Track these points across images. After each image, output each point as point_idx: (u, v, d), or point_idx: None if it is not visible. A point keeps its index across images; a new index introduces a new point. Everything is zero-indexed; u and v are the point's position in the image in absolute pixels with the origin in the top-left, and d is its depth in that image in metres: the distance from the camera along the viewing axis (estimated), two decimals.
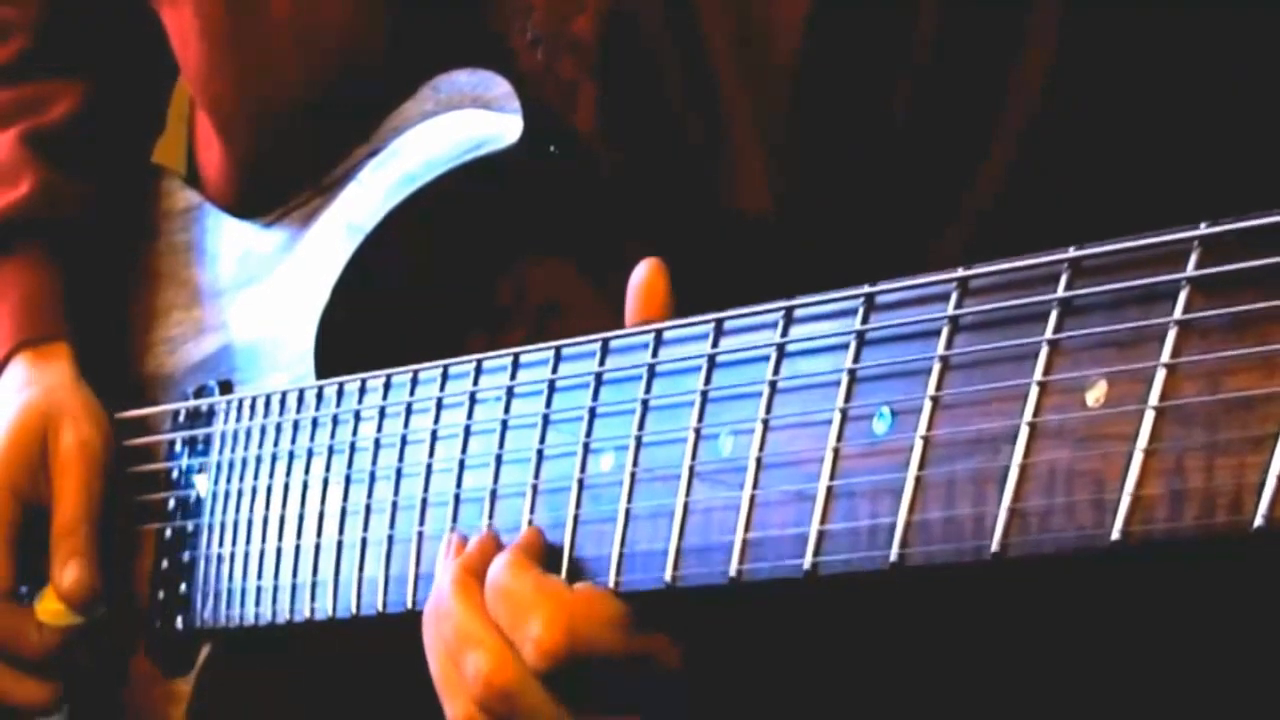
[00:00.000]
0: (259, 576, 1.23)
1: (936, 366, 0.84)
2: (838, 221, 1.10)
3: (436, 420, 1.10)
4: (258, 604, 1.22)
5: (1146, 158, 1.07)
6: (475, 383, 1.08)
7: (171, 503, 1.34)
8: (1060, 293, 0.79)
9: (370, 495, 1.14)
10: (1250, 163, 1.06)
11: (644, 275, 1.02)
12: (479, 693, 0.98)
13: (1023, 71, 1.08)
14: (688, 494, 0.94)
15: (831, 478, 0.87)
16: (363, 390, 1.17)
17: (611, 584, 0.98)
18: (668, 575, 0.95)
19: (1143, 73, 1.07)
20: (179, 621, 1.32)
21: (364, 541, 1.14)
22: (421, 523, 1.10)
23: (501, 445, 1.06)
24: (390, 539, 1.12)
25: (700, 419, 0.94)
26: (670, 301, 1.01)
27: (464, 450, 1.08)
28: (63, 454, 1.35)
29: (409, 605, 1.10)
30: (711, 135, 1.11)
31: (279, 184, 1.31)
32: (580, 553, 1.01)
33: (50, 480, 1.36)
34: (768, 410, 0.91)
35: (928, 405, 0.83)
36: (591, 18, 1.13)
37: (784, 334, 0.91)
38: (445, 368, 1.10)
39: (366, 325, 1.24)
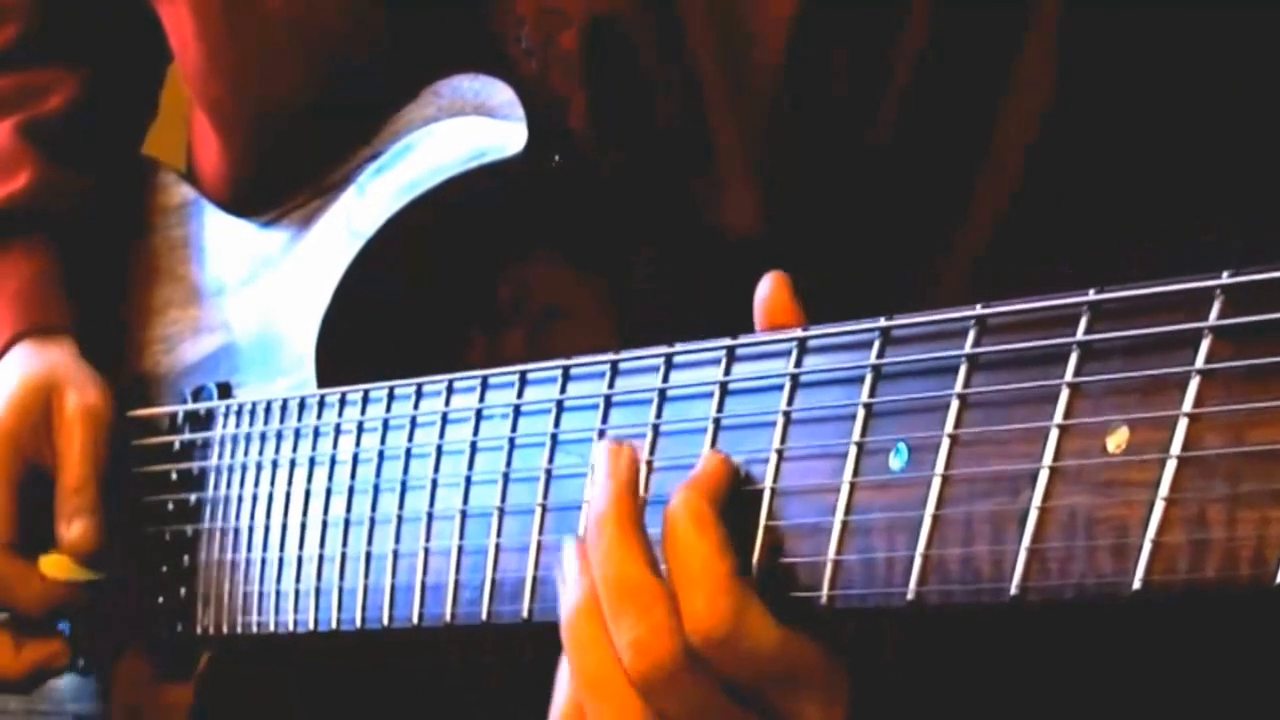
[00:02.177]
0: (260, 583, 1.22)
1: (954, 404, 0.83)
2: (829, 231, 1.10)
3: (442, 435, 1.10)
4: (259, 612, 1.22)
5: (1146, 164, 1.07)
6: (481, 399, 1.08)
7: (171, 506, 1.34)
8: (1080, 335, 0.79)
9: (375, 508, 1.14)
10: (1256, 179, 1.06)
11: (768, 290, 0.94)
12: (639, 669, 0.87)
13: (1021, 72, 1.07)
14: None
15: (847, 511, 0.87)
16: (366, 400, 1.16)
17: None
18: None
19: (1145, 87, 1.06)
20: (179, 626, 1.32)
21: (368, 555, 1.14)
22: (428, 537, 1.10)
23: (509, 464, 1.05)
24: (396, 553, 1.12)
25: (713, 447, 0.94)
26: (800, 312, 0.93)
27: (470, 467, 1.07)
28: (67, 417, 1.35)
29: (414, 620, 1.10)
30: (699, 147, 1.11)
31: (277, 184, 1.31)
32: None
33: (54, 444, 1.35)
34: (782, 441, 0.91)
35: (945, 443, 0.83)
36: (576, 31, 1.12)
37: (798, 364, 0.91)
38: (450, 382, 1.10)
39: (367, 329, 1.23)
